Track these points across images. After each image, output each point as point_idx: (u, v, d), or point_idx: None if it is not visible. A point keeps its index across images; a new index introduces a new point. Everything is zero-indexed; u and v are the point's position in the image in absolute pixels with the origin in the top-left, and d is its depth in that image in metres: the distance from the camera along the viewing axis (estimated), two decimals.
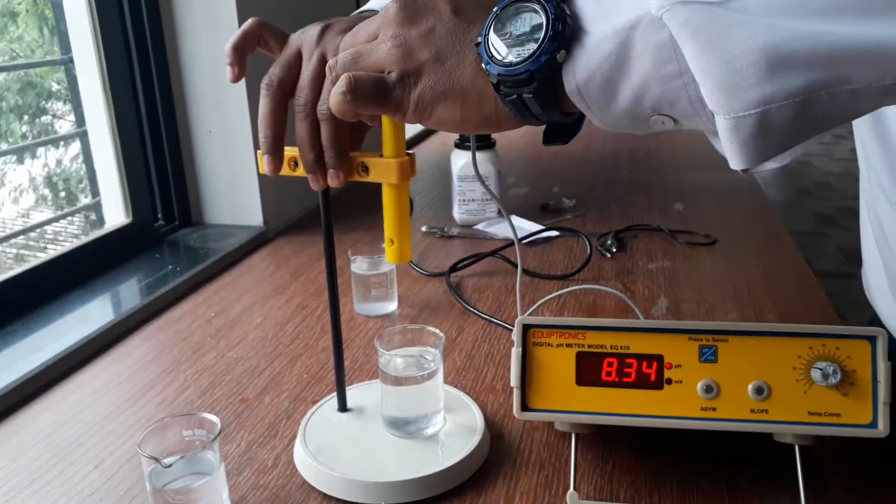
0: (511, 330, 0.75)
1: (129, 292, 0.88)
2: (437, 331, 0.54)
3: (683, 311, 0.76)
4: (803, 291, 0.82)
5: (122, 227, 1.00)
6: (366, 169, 0.47)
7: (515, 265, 0.92)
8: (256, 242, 1.05)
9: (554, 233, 1.04)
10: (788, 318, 0.74)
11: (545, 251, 0.98)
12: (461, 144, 1.09)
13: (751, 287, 0.82)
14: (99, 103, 0.98)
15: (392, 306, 0.80)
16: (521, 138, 1.71)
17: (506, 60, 0.36)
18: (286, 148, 0.49)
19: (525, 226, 1.08)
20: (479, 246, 1.01)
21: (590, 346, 0.47)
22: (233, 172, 1.08)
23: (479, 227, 1.09)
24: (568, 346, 0.47)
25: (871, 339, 0.44)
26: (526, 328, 0.48)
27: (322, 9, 1.24)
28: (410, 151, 0.47)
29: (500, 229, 1.07)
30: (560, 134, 0.41)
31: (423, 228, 1.08)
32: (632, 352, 0.46)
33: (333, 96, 0.40)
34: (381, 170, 0.47)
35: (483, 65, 0.37)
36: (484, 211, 1.10)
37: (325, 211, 0.51)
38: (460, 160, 1.09)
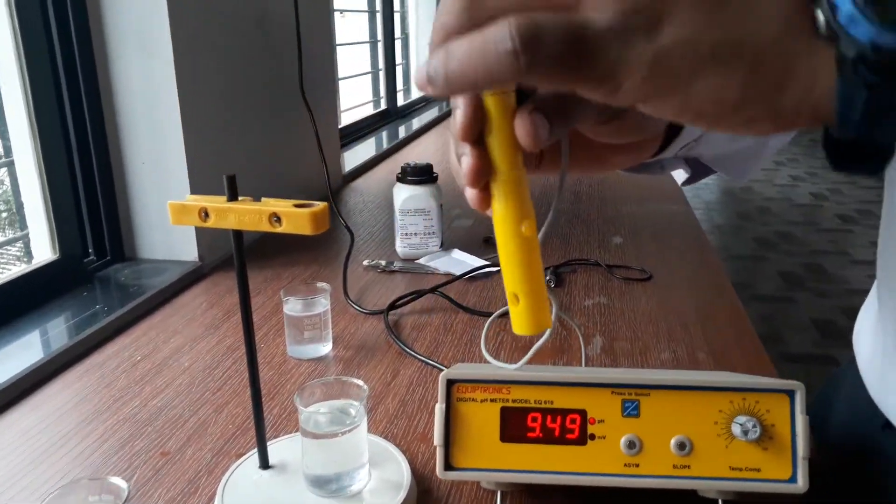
0: None
1: (53, 334, 0.85)
2: (361, 382, 0.53)
3: (617, 351, 0.77)
4: (734, 326, 0.83)
5: (49, 264, 0.96)
6: (278, 219, 0.46)
7: (455, 302, 0.91)
8: (191, 278, 1.02)
9: (495, 268, 1.04)
10: (719, 355, 0.75)
11: (486, 286, 0.98)
12: (403, 178, 1.08)
13: (683, 324, 0.83)
14: (24, 135, 0.94)
15: (326, 348, 0.78)
16: None
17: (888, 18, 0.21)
18: (193, 197, 0.48)
19: (467, 260, 1.08)
20: (421, 281, 1.00)
21: (514, 402, 0.46)
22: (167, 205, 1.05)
23: (422, 261, 1.08)
24: (492, 401, 0.46)
25: (790, 393, 0.44)
26: (450, 383, 0.47)
27: (266, 41, 1.23)
28: (320, 203, 0.46)
29: (442, 263, 1.06)
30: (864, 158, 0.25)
31: (365, 263, 1.06)
32: (555, 406, 0.46)
33: (491, 55, 0.25)
34: (295, 220, 0.45)
35: (818, 15, 0.22)
36: (427, 245, 1.10)
37: (239, 255, 0.49)
38: (403, 194, 1.08)
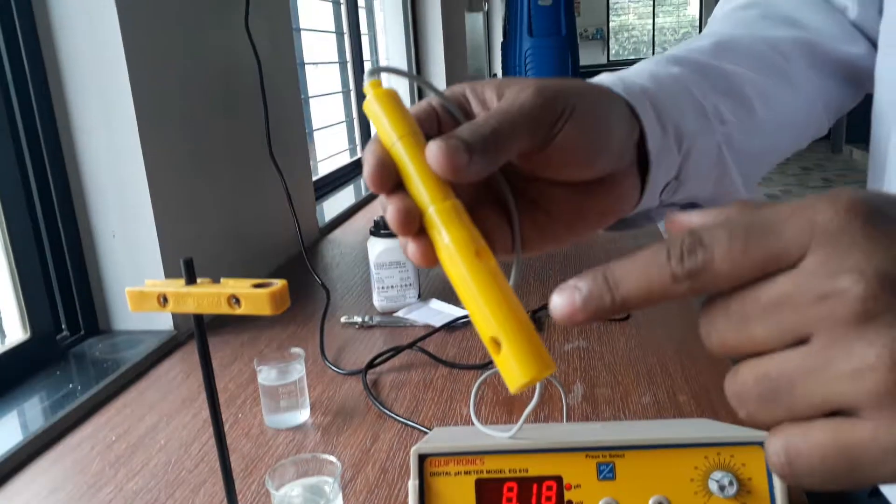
0: (427, 432, 0.72)
1: (24, 420, 0.83)
2: (334, 459, 0.52)
3: (598, 398, 0.76)
4: (713, 363, 0.82)
5: (20, 345, 0.94)
6: (237, 301, 0.45)
7: (433, 357, 0.90)
8: (166, 349, 1.00)
9: None
10: (700, 397, 0.75)
11: (465, 336, 0.97)
12: (377, 232, 1.08)
13: (663, 365, 0.83)
14: None
15: (304, 416, 0.77)
16: None
17: None
18: (152, 282, 0.47)
19: (445, 310, 1.07)
20: (400, 335, 1.00)
21: (488, 472, 0.45)
22: (140, 275, 1.04)
23: (400, 313, 1.07)
24: (466, 473, 0.45)
25: (763, 445, 0.44)
26: (422, 458, 0.46)
27: (232, 103, 1.24)
28: (278, 282, 0.45)
29: (421, 315, 1.06)
30: None
31: (343, 319, 1.06)
32: (531, 475, 0.45)
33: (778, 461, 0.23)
34: (253, 301, 0.45)
35: None
36: (404, 297, 1.09)
37: (201, 340, 0.48)
38: (377, 247, 1.08)
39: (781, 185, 5.55)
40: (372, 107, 0.33)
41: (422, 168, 0.31)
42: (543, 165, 0.36)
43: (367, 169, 0.31)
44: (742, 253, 0.23)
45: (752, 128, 0.45)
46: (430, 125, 0.35)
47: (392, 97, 0.33)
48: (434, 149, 0.30)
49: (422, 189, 0.31)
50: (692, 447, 0.44)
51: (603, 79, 0.40)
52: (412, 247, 0.31)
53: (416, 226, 0.31)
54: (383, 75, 0.34)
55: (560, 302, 0.26)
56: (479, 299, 0.28)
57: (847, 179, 5.65)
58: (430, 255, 0.31)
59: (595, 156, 0.36)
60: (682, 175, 0.42)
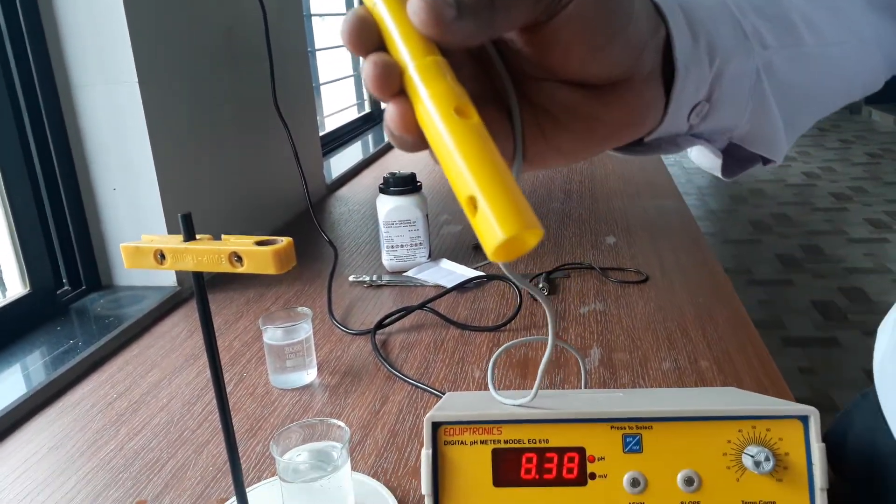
0: (438, 395, 0.70)
1: (23, 376, 0.81)
2: (342, 423, 0.49)
3: (616, 363, 0.73)
4: (734, 327, 0.80)
5: (20, 299, 0.92)
6: (239, 259, 0.42)
7: (444, 317, 0.87)
8: (170, 305, 0.98)
9: (485, 277, 1.00)
10: (722, 362, 0.72)
11: (476, 297, 0.94)
12: (386, 189, 1.05)
13: (683, 329, 0.80)
14: None
15: (311, 376, 0.74)
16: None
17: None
18: (149, 237, 0.44)
19: (456, 270, 1.04)
20: (409, 295, 0.97)
21: (506, 442, 0.43)
22: (142, 230, 1.01)
23: (410, 273, 1.04)
24: (482, 442, 0.43)
25: (803, 419, 0.41)
26: (435, 426, 0.43)
27: (236, 55, 1.19)
28: (284, 239, 0.42)
29: (431, 275, 1.03)
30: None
31: (351, 278, 1.03)
32: (551, 445, 0.42)
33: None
34: (257, 259, 0.42)
35: None
36: (414, 256, 1.06)
37: (201, 298, 0.45)
38: (386, 205, 1.04)
39: (797, 146, 5.46)
40: None
41: (405, 25, 0.27)
42: (548, 49, 0.30)
43: (344, 27, 0.28)
44: None
45: (796, 59, 0.38)
46: None
47: None
48: (416, 1, 0.26)
49: (402, 46, 0.27)
50: (725, 419, 0.41)
51: None
52: (390, 109, 0.28)
53: (395, 85, 0.27)
54: None
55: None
56: (455, 156, 0.24)
57: (865, 142, 5.54)
58: (409, 118, 0.27)
59: (610, 39, 0.30)
60: (714, 97, 0.36)
